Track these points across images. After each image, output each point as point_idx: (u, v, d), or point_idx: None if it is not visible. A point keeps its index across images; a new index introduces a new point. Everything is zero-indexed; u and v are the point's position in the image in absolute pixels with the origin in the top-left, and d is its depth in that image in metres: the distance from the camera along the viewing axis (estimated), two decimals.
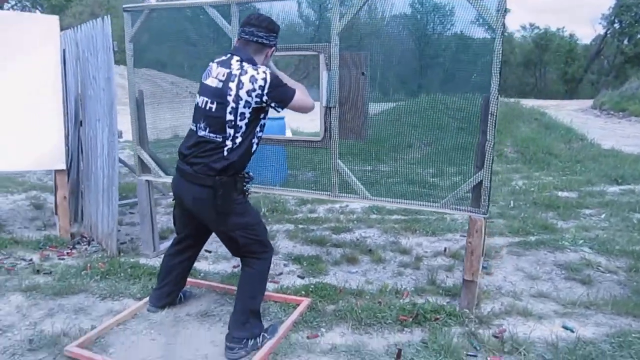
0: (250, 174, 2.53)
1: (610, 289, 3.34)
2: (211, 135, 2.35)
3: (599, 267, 3.68)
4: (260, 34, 2.39)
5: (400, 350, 2.43)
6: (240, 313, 2.47)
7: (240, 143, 2.37)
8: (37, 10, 38.73)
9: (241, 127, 2.34)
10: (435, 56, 3.84)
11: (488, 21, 2.57)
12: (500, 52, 2.59)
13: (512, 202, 5.52)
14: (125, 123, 4.10)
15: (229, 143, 2.35)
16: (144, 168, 3.86)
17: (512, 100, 11.67)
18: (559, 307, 3.03)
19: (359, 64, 2.99)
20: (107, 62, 3.74)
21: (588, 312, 2.97)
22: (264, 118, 2.47)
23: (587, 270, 3.62)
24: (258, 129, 2.45)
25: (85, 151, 4.37)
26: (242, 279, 2.55)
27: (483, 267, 3.61)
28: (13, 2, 39.08)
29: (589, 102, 21.14)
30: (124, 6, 3.81)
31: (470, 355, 2.44)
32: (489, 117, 2.66)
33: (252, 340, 2.45)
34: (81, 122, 4.44)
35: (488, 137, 2.70)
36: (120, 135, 4.05)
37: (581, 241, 4.16)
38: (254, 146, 2.48)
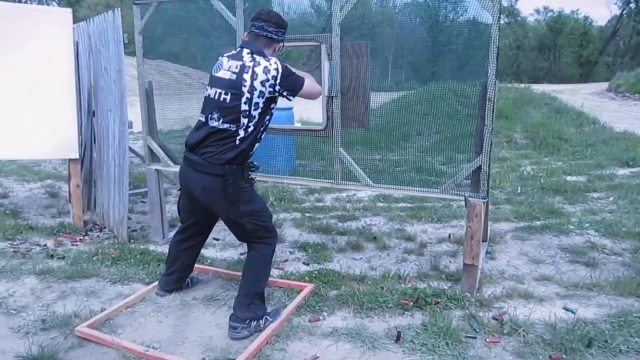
0: (256, 163, 2.61)
1: (615, 270, 3.36)
2: (225, 125, 2.42)
3: (604, 250, 3.69)
4: (270, 29, 2.48)
5: (399, 332, 2.49)
6: (245, 295, 2.55)
7: (251, 132, 2.46)
8: (54, 2, 39.13)
9: (254, 117, 2.43)
10: (447, 43, 3.84)
11: (484, 7, 2.58)
12: (497, 38, 2.60)
13: (519, 187, 5.52)
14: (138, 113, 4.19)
15: (241, 132, 2.43)
16: (154, 157, 3.95)
17: (522, 85, 11.55)
18: (561, 290, 3.06)
19: (360, 54, 3.01)
20: (118, 54, 3.82)
21: (590, 293, 3.00)
22: (274, 107, 2.57)
23: (592, 252, 3.64)
24: (267, 117, 2.54)
25: (98, 141, 4.48)
26: (248, 262, 2.63)
27: (487, 252, 3.65)
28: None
29: (604, 85, 20.77)
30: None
31: (469, 337, 2.49)
32: (487, 102, 2.69)
33: (255, 322, 2.52)
34: (94, 112, 4.55)
35: (486, 122, 2.73)
36: (130, 125, 4.14)
37: (587, 224, 4.17)
38: (261, 134, 2.56)
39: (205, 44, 4.11)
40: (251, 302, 2.55)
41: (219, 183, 2.43)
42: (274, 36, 2.50)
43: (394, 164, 4.34)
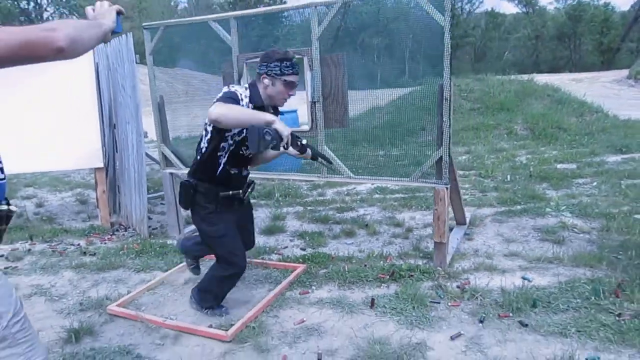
0: (230, 193, 2.71)
1: (580, 246, 3.72)
2: (200, 139, 2.71)
3: (574, 229, 4.06)
4: (257, 66, 2.66)
5: (373, 299, 2.94)
6: (202, 286, 3.00)
7: (206, 148, 2.62)
8: (74, 17, 40.91)
9: (208, 132, 2.60)
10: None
11: (435, 18, 3.00)
12: (449, 44, 3.01)
13: (509, 176, 5.88)
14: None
15: (202, 146, 2.66)
16: (168, 162, 4.48)
17: (525, 77, 11.82)
18: (525, 263, 3.46)
19: (338, 64, 3.47)
20: (132, 72, 4.37)
21: (550, 265, 3.39)
22: (229, 136, 2.59)
23: (562, 232, 4.01)
24: (224, 144, 2.60)
25: (119, 151, 5.04)
26: (208, 271, 2.99)
27: (465, 234, 4.06)
28: (51, 11, 41.36)
29: (625, 72, 20.65)
30: (143, 24, 4.44)
31: (434, 302, 2.92)
32: (444, 101, 3.10)
33: (206, 308, 2.99)
34: (114, 125, 5.12)
35: (444, 118, 3.14)
36: (145, 135, 4.68)
37: (564, 207, 4.53)
38: (222, 159, 2.63)
39: (205, 56, 4.67)
40: (204, 297, 2.97)
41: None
42: (257, 70, 2.61)
43: (380, 157, 4.78)
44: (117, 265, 3.84)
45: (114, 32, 1.60)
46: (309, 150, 2.60)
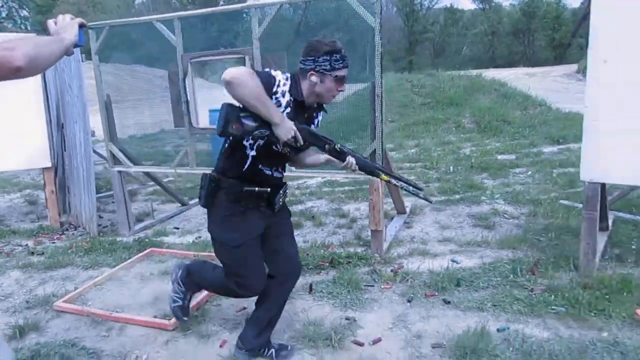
0: (255, 190, 2.22)
1: (508, 230, 4.01)
2: None
3: (505, 215, 4.36)
4: (301, 60, 2.24)
5: (311, 285, 3.12)
6: (192, 267, 2.68)
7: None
8: (24, 11, 39.60)
9: None
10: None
11: (368, 20, 3.19)
12: (380, 44, 3.21)
13: (452, 167, 6.18)
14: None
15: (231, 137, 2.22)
16: (116, 160, 4.53)
17: (473, 73, 12.29)
18: (456, 247, 3.71)
19: (279, 63, 3.62)
20: (78, 72, 4.39)
21: (478, 249, 3.66)
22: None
23: (494, 217, 4.30)
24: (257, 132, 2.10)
25: (68, 150, 5.04)
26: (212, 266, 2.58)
27: (404, 222, 4.29)
28: (0, 4, 39.82)
29: (574, 67, 21.53)
30: (88, 24, 4.46)
31: (368, 285, 3.13)
32: (376, 98, 3.30)
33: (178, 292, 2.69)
34: (62, 124, 5.11)
35: (377, 114, 3.34)
36: (93, 134, 4.72)
37: (498, 195, 4.83)
38: (249, 151, 2.19)
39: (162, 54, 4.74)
40: (184, 283, 2.61)
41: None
42: (301, 66, 2.20)
43: None
44: (65, 264, 3.88)
45: (77, 46, 1.60)
46: (350, 159, 2.19)
